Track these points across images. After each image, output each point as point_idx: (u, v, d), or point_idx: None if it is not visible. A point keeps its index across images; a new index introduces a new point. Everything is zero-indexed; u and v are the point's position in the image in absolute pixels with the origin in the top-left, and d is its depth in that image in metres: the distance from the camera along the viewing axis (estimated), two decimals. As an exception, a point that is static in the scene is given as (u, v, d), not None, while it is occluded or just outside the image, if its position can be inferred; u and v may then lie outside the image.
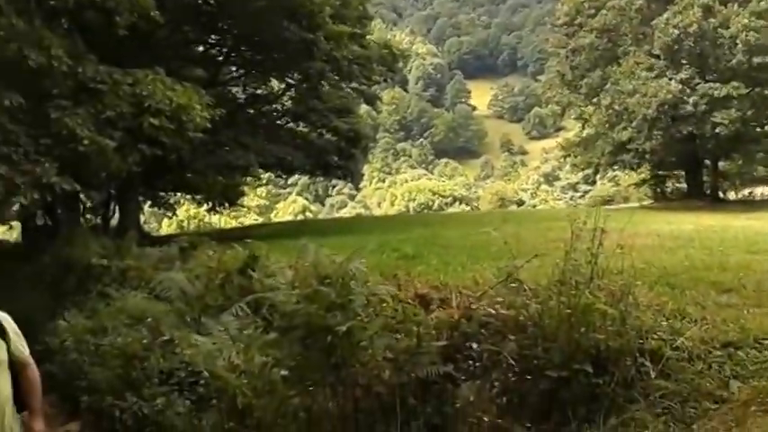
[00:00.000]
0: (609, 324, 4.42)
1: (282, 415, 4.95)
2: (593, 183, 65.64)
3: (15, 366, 3.90)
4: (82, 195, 20.08)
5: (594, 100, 28.46)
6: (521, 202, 79.99)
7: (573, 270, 4.58)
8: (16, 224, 28.65)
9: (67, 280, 11.37)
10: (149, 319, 7.66)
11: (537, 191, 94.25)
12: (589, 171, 34.88)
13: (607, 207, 23.21)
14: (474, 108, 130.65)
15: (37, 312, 11.09)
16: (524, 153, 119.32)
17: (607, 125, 26.92)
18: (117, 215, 24.11)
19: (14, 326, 3.98)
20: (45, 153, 11.76)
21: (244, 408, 5.18)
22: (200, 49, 23.64)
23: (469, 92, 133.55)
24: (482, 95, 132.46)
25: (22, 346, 3.96)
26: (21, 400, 3.98)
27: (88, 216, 24.83)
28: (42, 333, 9.77)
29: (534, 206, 71.40)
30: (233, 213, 45.01)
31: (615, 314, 4.44)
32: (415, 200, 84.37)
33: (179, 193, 30.28)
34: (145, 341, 7.13)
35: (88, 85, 12.38)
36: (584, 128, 31.58)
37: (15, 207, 20.31)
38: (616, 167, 30.89)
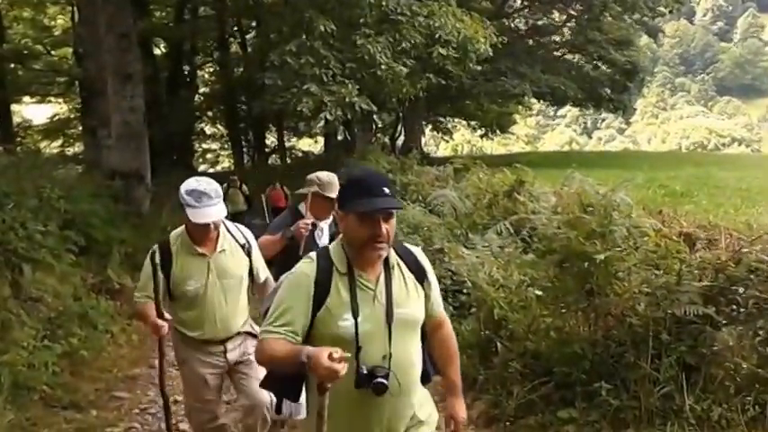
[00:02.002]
0: None
1: (534, 331, 4.94)
2: None
3: (427, 324, 2.55)
4: (375, 116, 21.35)
5: None
6: (811, 148, 69.37)
7: None
8: (320, 139, 31.53)
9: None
10: (425, 229, 8.05)
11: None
12: None
13: None
14: (767, 44, 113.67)
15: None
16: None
17: None
18: (402, 136, 25.40)
19: (430, 269, 2.54)
20: (349, 76, 12.61)
21: (499, 319, 5.26)
22: (489, -20, 23.42)
23: (763, 26, 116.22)
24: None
25: (440, 298, 2.60)
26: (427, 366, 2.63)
27: (378, 135, 26.47)
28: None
29: (828, 153, 61.50)
30: (502, 141, 45.03)
31: None
32: (688, 138, 77.25)
33: (456, 119, 30.92)
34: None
35: (390, 15, 12.89)
36: None
37: (321, 123, 22.27)
38: None
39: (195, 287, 3.50)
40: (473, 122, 30.01)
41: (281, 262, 4.09)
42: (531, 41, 25.41)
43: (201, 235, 3.52)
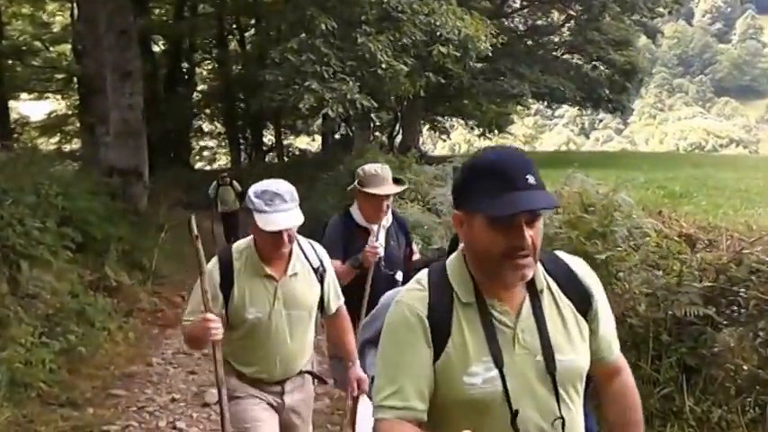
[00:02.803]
0: None
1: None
2: None
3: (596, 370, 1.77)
4: (373, 115, 21.33)
5: None
6: (809, 149, 69.59)
7: None
8: (317, 137, 31.50)
9: (358, 187, 12.22)
10: (424, 228, 8.04)
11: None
12: None
13: None
14: (765, 45, 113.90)
15: (330, 213, 12.21)
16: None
17: None
18: (400, 135, 25.37)
19: (599, 290, 1.79)
20: (350, 73, 12.60)
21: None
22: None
23: (761, 28, 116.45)
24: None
25: (614, 334, 1.88)
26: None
27: (376, 134, 26.45)
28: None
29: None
30: (500, 140, 45.07)
31: None
32: (686, 139, 77.37)
33: (454, 119, 30.91)
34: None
35: (391, 13, 12.88)
36: None
37: (319, 121, 22.29)
38: None
39: (256, 316, 2.83)
40: (471, 122, 30.02)
41: (346, 292, 3.24)
42: (530, 41, 25.40)
43: (272, 250, 2.82)
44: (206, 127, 32.92)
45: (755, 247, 4.19)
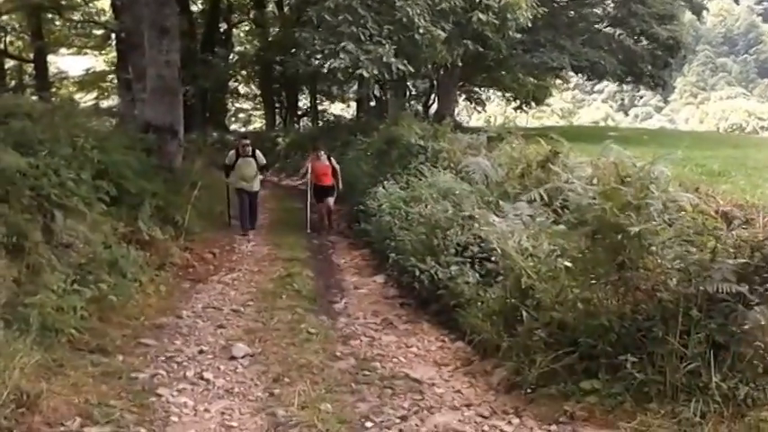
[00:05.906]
0: None
1: (561, 302, 4.90)
2: None
3: None
4: (409, 83, 21.11)
5: None
6: None
7: None
8: (352, 104, 31.35)
9: (390, 155, 12.21)
10: (455, 194, 8.01)
11: None
12: None
13: None
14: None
15: (362, 179, 12.23)
16: None
17: None
18: (435, 104, 25.15)
19: None
20: (386, 37, 12.48)
21: (526, 288, 5.23)
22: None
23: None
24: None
25: None
26: None
27: (412, 102, 26.24)
28: (365, 196, 10.78)
29: None
30: (536, 114, 44.41)
31: None
32: (727, 119, 75.40)
33: (491, 90, 30.48)
34: (448, 214, 7.49)
35: (430, -23, 12.70)
36: None
37: (354, 87, 22.14)
38: None
39: None
40: (508, 94, 29.56)
41: None
42: (572, 13, 24.81)
43: None
44: (242, 89, 33.02)
45: (794, 225, 4.10)
